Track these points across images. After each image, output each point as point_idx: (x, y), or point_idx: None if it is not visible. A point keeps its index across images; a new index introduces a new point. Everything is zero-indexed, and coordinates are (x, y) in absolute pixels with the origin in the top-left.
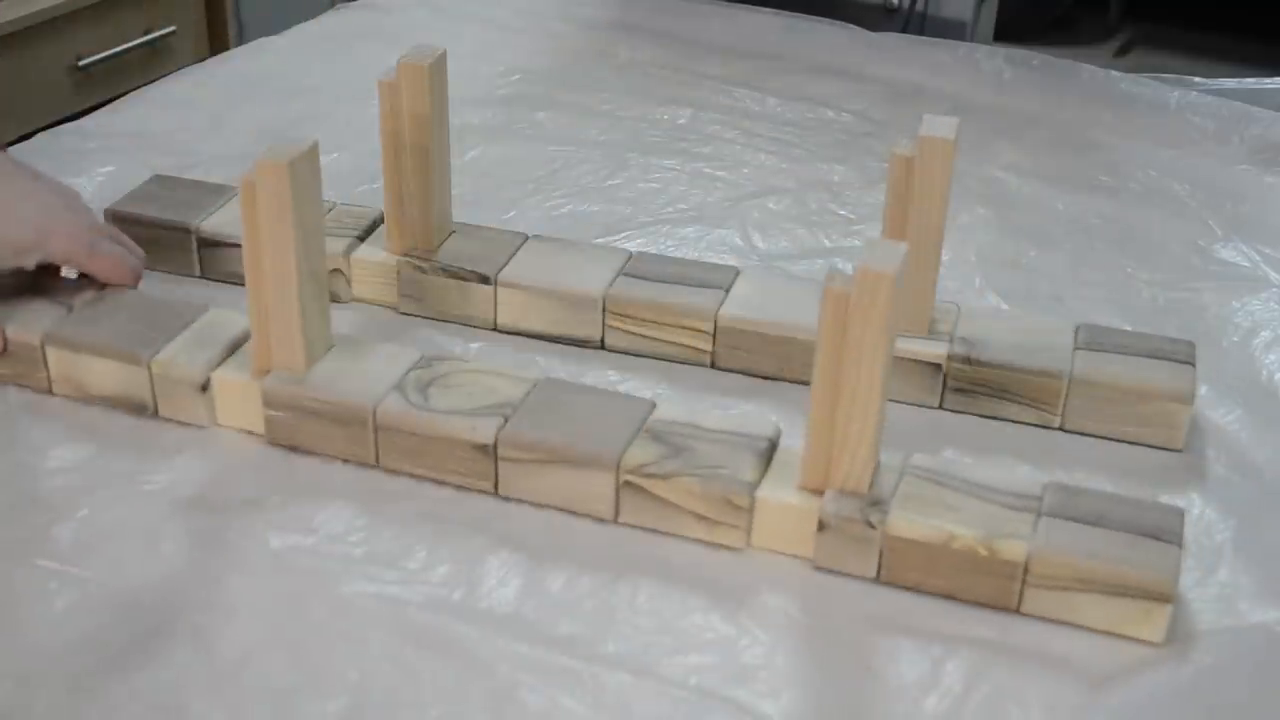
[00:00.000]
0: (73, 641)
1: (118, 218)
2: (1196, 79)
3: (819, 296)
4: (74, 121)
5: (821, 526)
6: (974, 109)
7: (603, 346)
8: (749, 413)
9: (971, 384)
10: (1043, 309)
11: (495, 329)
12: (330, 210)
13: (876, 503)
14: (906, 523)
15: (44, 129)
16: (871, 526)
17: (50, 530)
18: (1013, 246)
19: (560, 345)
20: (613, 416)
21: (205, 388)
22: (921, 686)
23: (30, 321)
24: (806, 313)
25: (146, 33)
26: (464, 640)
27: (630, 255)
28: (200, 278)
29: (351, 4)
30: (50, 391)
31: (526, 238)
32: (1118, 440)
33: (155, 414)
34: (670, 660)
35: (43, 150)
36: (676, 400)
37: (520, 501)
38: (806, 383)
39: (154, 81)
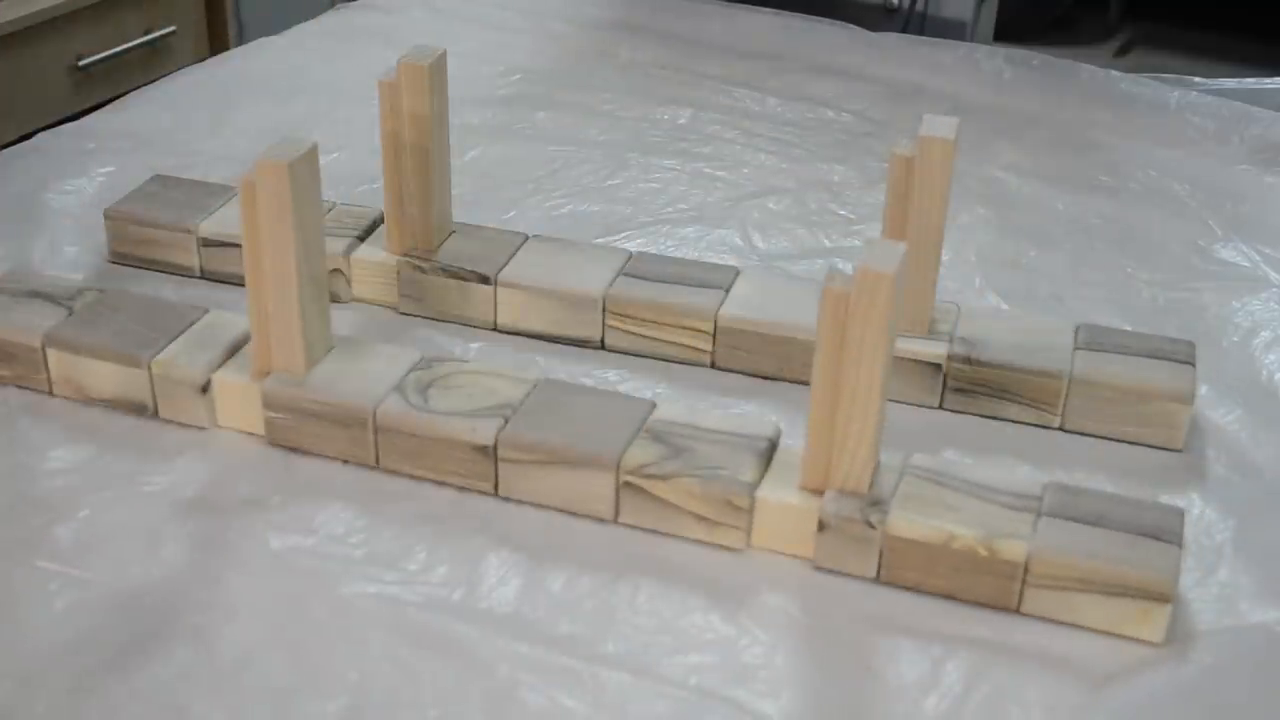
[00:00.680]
0: (72, 641)
1: (118, 218)
2: (1196, 79)
3: (819, 297)
4: (74, 121)
5: (821, 526)
6: (974, 109)
7: (603, 346)
8: (749, 413)
9: (971, 384)
10: (1043, 308)
11: (495, 329)
12: (330, 210)
13: (876, 503)
14: (906, 523)
15: (44, 129)
16: (871, 526)
17: (50, 531)
18: (1013, 246)
19: (560, 345)
20: (613, 417)
21: (205, 389)
22: (921, 687)
23: (31, 323)
24: (806, 313)
25: (146, 33)
26: (464, 640)
27: (630, 255)
28: (200, 278)
29: (351, 4)
30: (50, 393)
31: (526, 238)
32: (1117, 440)
33: (155, 415)
34: (670, 660)
35: (43, 150)
36: (677, 400)
37: (520, 502)
38: (806, 383)
39: (154, 81)
